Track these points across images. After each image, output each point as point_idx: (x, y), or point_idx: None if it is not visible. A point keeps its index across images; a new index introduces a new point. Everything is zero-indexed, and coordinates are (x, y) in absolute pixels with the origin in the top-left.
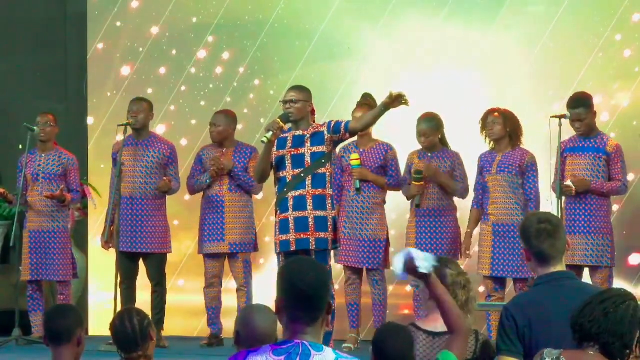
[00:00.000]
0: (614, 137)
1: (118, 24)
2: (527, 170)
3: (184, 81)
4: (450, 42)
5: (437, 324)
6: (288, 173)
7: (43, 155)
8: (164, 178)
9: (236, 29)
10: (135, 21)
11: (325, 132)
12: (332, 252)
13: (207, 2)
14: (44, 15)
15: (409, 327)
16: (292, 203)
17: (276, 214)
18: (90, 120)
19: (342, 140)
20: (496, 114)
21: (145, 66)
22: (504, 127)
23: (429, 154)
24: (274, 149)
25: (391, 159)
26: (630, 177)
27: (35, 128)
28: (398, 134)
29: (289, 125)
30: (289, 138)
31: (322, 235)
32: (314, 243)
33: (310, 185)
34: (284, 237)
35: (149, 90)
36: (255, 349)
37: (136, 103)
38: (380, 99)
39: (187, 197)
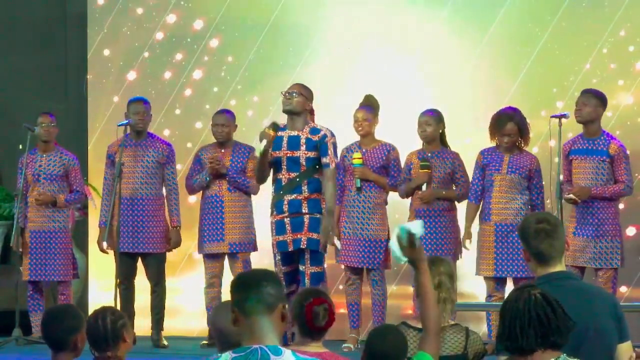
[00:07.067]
0: (618, 136)
1: (118, 24)
2: (535, 175)
3: (188, 84)
4: (450, 41)
5: None
6: (284, 175)
7: (44, 155)
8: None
9: (237, 31)
10: (135, 22)
11: (317, 145)
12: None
13: (206, 3)
14: (44, 15)
15: (400, 326)
16: (287, 207)
17: (271, 214)
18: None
19: None
20: (512, 125)
21: (145, 66)
22: (517, 138)
23: (429, 154)
24: (270, 149)
25: (393, 159)
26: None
27: (35, 128)
28: (397, 135)
29: (280, 133)
30: (284, 138)
31: (315, 236)
32: (305, 242)
33: (306, 190)
34: (280, 238)
35: (152, 93)
36: (215, 356)
37: (139, 104)
38: (381, 98)
39: (192, 198)
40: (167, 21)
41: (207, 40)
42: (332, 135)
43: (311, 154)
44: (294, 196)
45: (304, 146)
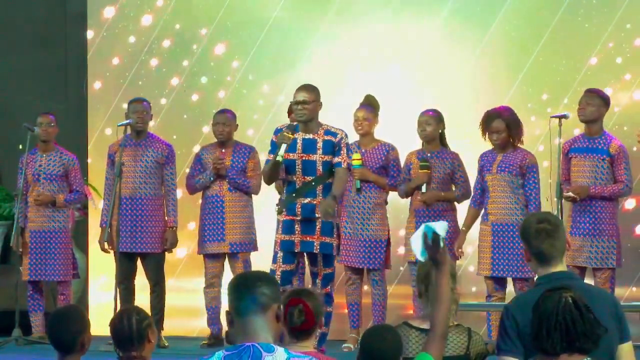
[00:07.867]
0: (618, 138)
1: (117, 23)
2: (527, 171)
3: (177, 75)
4: (450, 41)
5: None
6: (298, 178)
7: (44, 155)
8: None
9: (233, 25)
10: (135, 20)
11: (334, 145)
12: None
13: (207, 3)
14: (44, 15)
15: (402, 326)
16: (300, 210)
17: (279, 213)
18: (108, 131)
19: None
20: (499, 122)
21: (144, 65)
22: (507, 135)
23: (428, 154)
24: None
25: (393, 160)
26: None
27: (35, 128)
28: (397, 135)
29: (296, 135)
30: (298, 141)
31: (328, 240)
32: (318, 247)
33: (320, 194)
34: (286, 237)
35: (139, 83)
36: (208, 354)
37: (138, 104)
38: (381, 98)
39: (179, 196)
40: (166, 18)
41: (200, 31)
42: (346, 135)
43: (327, 158)
44: (307, 200)
45: (321, 150)
